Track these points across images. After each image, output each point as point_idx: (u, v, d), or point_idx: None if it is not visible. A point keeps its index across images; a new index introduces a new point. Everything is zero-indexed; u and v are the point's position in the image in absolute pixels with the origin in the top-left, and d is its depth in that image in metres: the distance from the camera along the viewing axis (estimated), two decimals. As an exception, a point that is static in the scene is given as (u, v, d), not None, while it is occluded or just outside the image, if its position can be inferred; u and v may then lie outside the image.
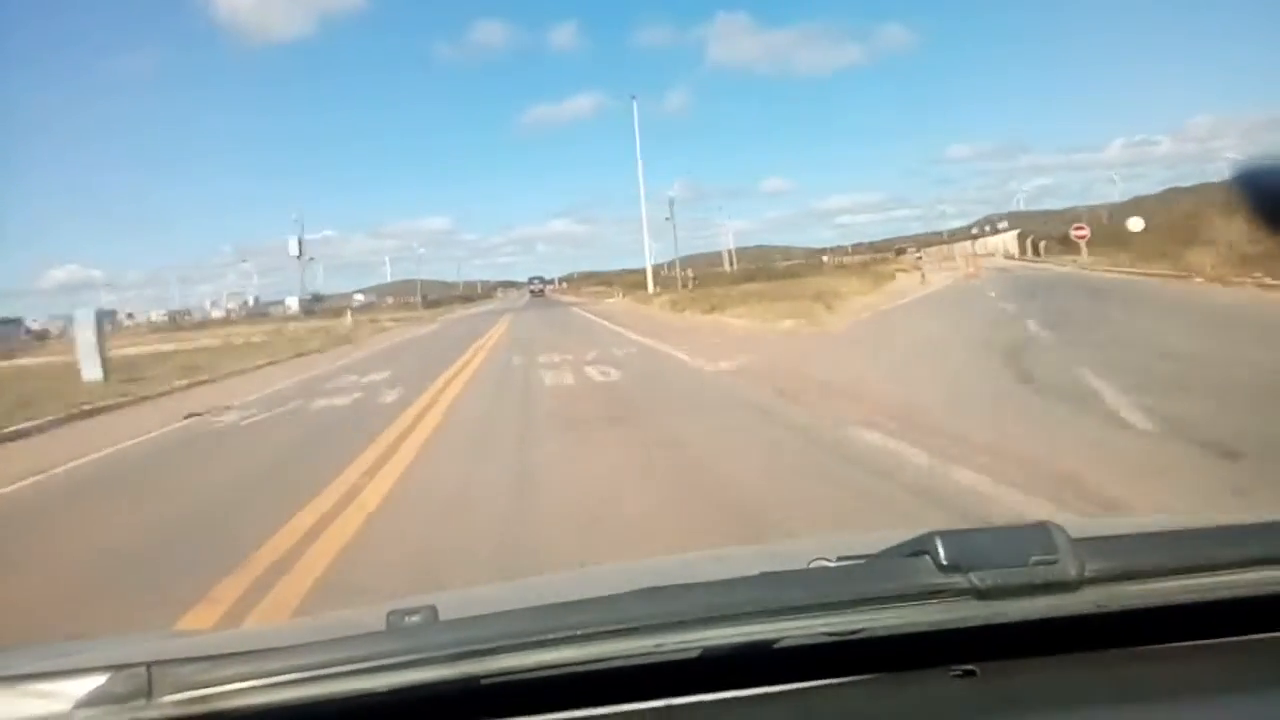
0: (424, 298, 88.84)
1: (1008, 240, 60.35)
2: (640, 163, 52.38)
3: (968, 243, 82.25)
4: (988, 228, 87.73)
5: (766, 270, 54.35)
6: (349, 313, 39.78)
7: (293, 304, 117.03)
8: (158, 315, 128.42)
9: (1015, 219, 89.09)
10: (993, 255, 54.74)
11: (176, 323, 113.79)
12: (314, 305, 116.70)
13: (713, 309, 23.62)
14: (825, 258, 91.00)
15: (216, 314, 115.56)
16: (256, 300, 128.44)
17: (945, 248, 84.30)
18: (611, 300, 54.33)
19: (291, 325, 42.24)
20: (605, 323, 25.81)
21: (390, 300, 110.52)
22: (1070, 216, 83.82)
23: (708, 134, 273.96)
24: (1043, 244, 43.68)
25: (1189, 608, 0.92)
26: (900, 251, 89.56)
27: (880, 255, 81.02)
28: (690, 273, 28.11)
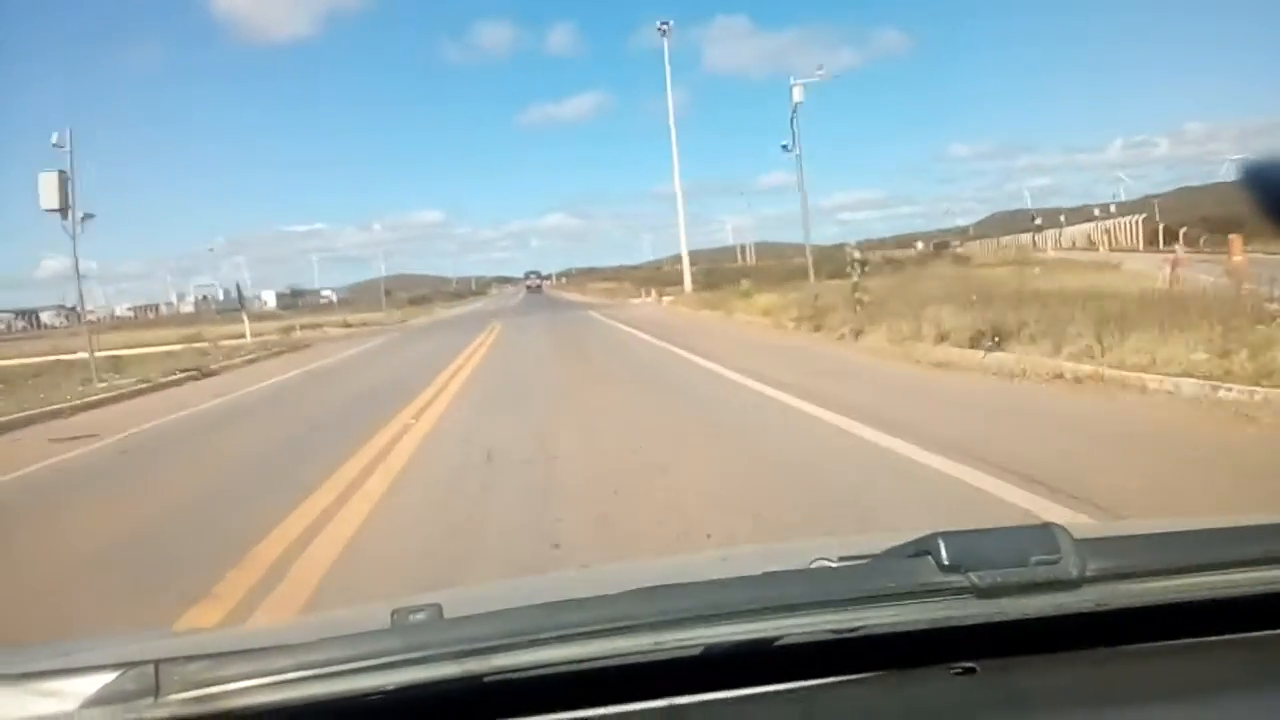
0: (389, 293, 78.73)
1: (1118, 229, 48.89)
2: (673, 125, 42.20)
3: (1024, 235, 73.32)
4: (1063, 217, 78.02)
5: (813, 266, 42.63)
6: (245, 320, 29.84)
7: (269, 299, 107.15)
8: (122, 310, 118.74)
9: (1028, 217, 79.62)
10: (1094, 249, 44.79)
11: (137, 318, 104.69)
12: (294, 301, 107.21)
13: (996, 339, 9.61)
14: (919, 245, 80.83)
15: (186, 308, 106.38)
16: (227, 294, 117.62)
17: (992, 241, 75.33)
18: (640, 301, 41.93)
19: (213, 330, 32.65)
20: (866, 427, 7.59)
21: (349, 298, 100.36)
22: (1085, 214, 75.45)
23: (706, 131, 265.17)
24: (1183, 232, 34.12)
25: (1189, 606, 0.90)
26: (942, 245, 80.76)
27: (898, 252, 71.25)
28: (856, 253, 13.91)
